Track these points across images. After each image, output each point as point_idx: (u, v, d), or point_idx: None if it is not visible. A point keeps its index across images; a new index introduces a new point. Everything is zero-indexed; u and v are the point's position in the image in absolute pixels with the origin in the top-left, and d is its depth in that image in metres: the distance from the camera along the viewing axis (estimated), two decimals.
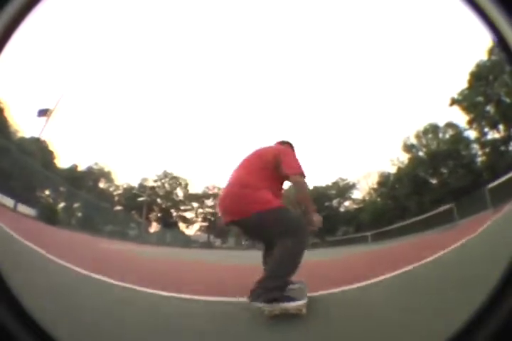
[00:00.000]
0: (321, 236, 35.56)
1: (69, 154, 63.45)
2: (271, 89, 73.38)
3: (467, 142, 33.00)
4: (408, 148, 37.24)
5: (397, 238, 20.79)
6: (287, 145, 4.14)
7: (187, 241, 40.46)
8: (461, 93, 32.52)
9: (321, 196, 43.02)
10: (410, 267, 5.07)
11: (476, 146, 32.70)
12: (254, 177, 3.51)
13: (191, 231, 46.56)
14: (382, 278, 4.48)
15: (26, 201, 18.47)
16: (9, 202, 16.42)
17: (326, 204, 43.85)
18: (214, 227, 45.18)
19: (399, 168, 37.51)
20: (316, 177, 57.90)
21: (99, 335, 1.90)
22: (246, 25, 70.47)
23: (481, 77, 30.34)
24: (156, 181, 46.51)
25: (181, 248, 29.03)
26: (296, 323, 2.46)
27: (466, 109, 32.45)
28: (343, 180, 45.80)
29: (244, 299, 2.90)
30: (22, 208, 17.33)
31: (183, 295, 3.67)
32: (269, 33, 68.31)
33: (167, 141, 68.04)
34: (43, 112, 23.53)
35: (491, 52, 29.31)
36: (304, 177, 3.56)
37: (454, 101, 33.09)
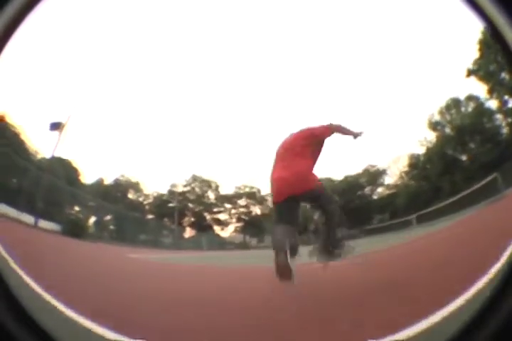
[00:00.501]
0: (357, 226, 35.39)
1: (93, 169, 64.35)
2: (287, 80, 72.93)
3: (490, 113, 32.09)
4: (434, 125, 36.30)
5: (444, 217, 19.47)
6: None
7: (222, 244, 41.03)
8: (475, 62, 31.62)
9: (352, 185, 43.19)
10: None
11: (499, 117, 31.82)
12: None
13: (226, 233, 46.67)
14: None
15: (50, 218, 18.84)
16: (30, 219, 16.67)
17: (359, 193, 43.66)
18: (249, 227, 45.72)
19: (428, 148, 36.73)
20: (345, 167, 57.89)
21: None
22: (254, 22, 70.36)
23: (489, 44, 29.27)
24: (185, 186, 46.24)
25: (217, 251, 29.13)
26: None
27: (484, 79, 31.45)
28: (373, 166, 44.68)
29: None
30: (44, 224, 17.56)
31: None
32: (279, 27, 68.04)
33: (191, 144, 68.17)
34: (56, 126, 23.50)
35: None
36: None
37: (470, 72, 32.08)
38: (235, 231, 46.64)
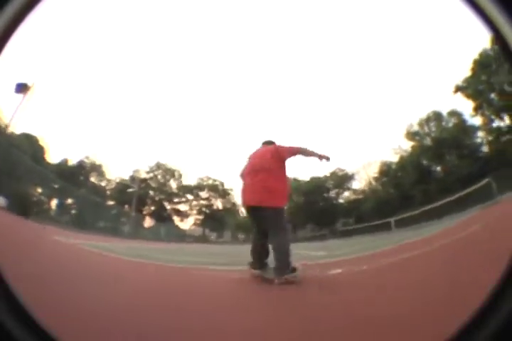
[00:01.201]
0: (321, 228, 35.55)
1: (59, 148, 62.76)
2: (265, 77, 73.49)
3: (471, 130, 33.31)
4: (412, 135, 37.35)
5: (426, 222, 19.83)
6: (273, 144, 5.08)
7: (182, 236, 40.16)
8: (465, 80, 32.63)
9: (318, 187, 43.56)
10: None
11: (480, 134, 32.99)
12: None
13: (186, 225, 46.30)
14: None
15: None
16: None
17: (324, 195, 44.28)
18: (209, 221, 45.34)
19: (401, 157, 37.65)
20: (313, 168, 58.21)
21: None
22: (246, 22, 70.81)
23: (484, 65, 30.42)
24: (148, 173, 46.01)
25: (175, 243, 28.59)
26: None
27: (471, 97, 32.45)
28: (342, 170, 45.42)
29: None
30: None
31: None
32: (266, 26, 68.50)
33: (159, 131, 67.86)
34: (21, 87, 22.31)
35: (493, 41, 29.00)
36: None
37: (458, 89, 33.14)
38: (195, 224, 46.44)
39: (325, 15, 63.06)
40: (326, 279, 4.59)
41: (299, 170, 54.75)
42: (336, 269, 5.30)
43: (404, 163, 36.28)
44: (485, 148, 32.29)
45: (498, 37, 0.95)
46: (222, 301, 3.37)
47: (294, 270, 4.26)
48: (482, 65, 30.57)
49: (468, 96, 32.59)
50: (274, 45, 72.31)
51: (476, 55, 31.57)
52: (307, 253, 9.54)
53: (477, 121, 33.01)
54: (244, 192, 4.78)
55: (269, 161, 4.66)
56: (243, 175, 5.02)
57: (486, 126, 31.98)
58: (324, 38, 68.27)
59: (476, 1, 0.98)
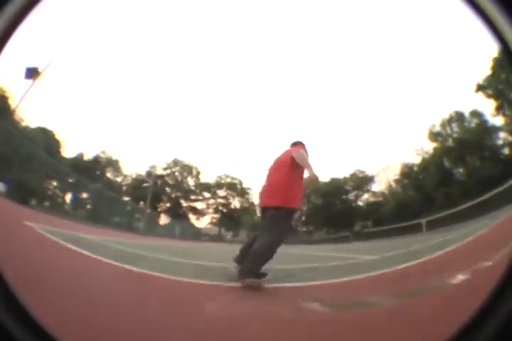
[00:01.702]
0: (337, 230, 35.24)
1: (75, 142, 63.33)
2: (284, 79, 73.16)
3: (493, 130, 32.80)
4: (434, 136, 36.74)
5: (460, 223, 17.47)
6: (300, 145, 5.12)
7: (197, 234, 40.38)
8: (486, 79, 32.23)
9: (338, 189, 43.26)
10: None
11: (503, 135, 32.45)
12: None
13: (202, 223, 46.05)
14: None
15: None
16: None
17: (343, 197, 43.88)
18: (226, 220, 45.25)
19: (423, 158, 37.09)
20: (333, 170, 57.99)
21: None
22: (256, 22, 70.50)
23: (502, 63, 29.87)
24: (165, 169, 45.38)
25: (191, 241, 28.72)
26: None
27: (492, 96, 32.15)
28: (362, 172, 44.69)
29: None
30: None
31: None
32: (278, 28, 68.19)
33: (178, 127, 67.78)
34: (32, 72, 22.12)
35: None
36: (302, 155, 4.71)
37: (479, 88, 32.73)
38: (211, 222, 46.18)
39: (345, 13, 62.44)
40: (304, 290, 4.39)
41: (318, 171, 54.47)
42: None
43: (426, 164, 35.80)
44: (506, 150, 31.94)
45: (498, 37, 0.93)
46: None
47: (261, 276, 4.20)
48: (501, 63, 29.95)
49: (489, 96, 32.30)
50: (289, 44, 71.95)
51: (495, 54, 30.40)
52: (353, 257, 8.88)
53: (498, 121, 32.72)
54: (262, 191, 4.91)
55: (286, 164, 4.71)
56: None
57: (508, 127, 31.69)
58: (344, 36, 67.70)
59: (476, 1, 0.96)
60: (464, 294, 2.29)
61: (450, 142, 35.48)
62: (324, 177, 44.98)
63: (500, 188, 19.64)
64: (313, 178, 4.54)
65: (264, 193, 4.74)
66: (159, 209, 41.87)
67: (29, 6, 1.05)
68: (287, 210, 4.50)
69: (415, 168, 37.51)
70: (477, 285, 1.31)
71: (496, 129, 32.68)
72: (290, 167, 4.66)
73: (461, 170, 33.95)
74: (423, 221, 22.62)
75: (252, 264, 4.18)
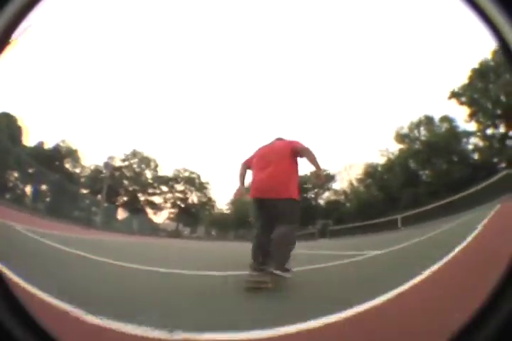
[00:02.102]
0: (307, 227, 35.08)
1: (36, 130, 61.50)
2: (253, 75, 73.39)
3: (463, 136, 34.44)
4: (401, 138, 37.85)
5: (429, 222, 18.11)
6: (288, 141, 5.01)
7: (155, 230, 39.55)
8: (462, 87, 33.88)
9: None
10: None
11: (474, 141, 34.04)
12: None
13: (160, 218, 45.66)
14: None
15: None
16: None
17: (303, 195, 43.30)
18: (183, 215, 44.85)
19: (389, 159, 38.07)
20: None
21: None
22: (248, 21, 71.23)
23: (482, 74, 32.06)
24: (123, 161, 45.02)
25: (148, 236, 28.06)
26: None
27: (466, 104, 33.73)
28: (323, 170, 44.09)
29: None
30: None
31: None
32: (265, 26, 69.01)
33: (138, 119, 66.95)
34: None
35: (495, 53, 30.88)
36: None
37: (453, 95, 34.29)
38: (169, 218, 46.06)
39: (317, 18, 63.17)
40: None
41: None
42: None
43: (391, 165, 36.70)
44: (476, 155, 33.38)
45: (498, 37, 0.96)
46: None
47: (287, 270, 4.19)
48: (481, 73, 32.05)
49: (463, 103, 33.89)
50: (264, 38, 72.41)
51: (475, 64, 33.06)
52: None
53: (471, 127, 34.25)
54: (259, 183, 4.65)
55: (287, 155, 4.67)
56: (252, 167, 4.93)
57: (480, 133, 33.26)
58: (317, 40, 68.71)
59: (476, 1, 0.99)
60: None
61: (418, 144, 36.50)
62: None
63: (471, 190, 20.42)
64: (322, 176, 4.78)
65: (265, 185, 4.54)
66: (117, 203, 41.03)
67: (29, 6, 1.06)
68: (296, 201, 4.53)
69: (379, 168, 38.40)
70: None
71: (466, 135, 34.27)
72: (292, 159, 4.70)
73: (427, 171, 35.12)
74: (399, 217, 22.62)
75: (285, 257, 4.22)
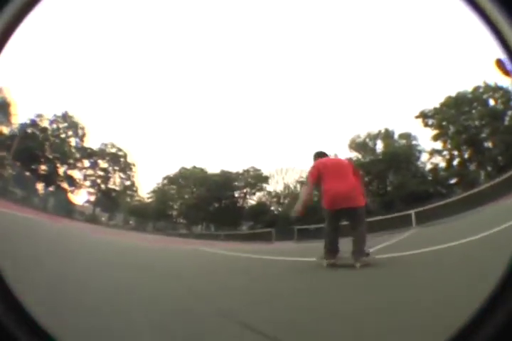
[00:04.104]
0: (221, 229, 34.54)
1: None
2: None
3: (417, 152, 36.96)
4: (356, 147, 38.71)
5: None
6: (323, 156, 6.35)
7: (71, 211, 36.76)
8: (435, 110, 36.23)
9: (227, 183, 43.32)
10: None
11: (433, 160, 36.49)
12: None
13: (79, 199, 43.04)
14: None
15: None
16: None
17: (232, 193, 44.24)
18: (103, 199, 42.68)
19: None
20: (226, 163, 57.97)
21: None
22: (248, 21, 71.43)
23: (458, 103, 34.57)
24: (51, 123, 41.02)
25: (62, 217, 26.05)
26: None
27: (431, 126, 36.24)
28: (256, 170, 44.49)
29: None
30: None
31: None
32: (259, 25, 69.75)
33: (75, 75, 63.70)
34: None
35: (476, 89, 34.43)
36: None
37: (422, 115, 36.60)
38: (88, 201, 42.96)
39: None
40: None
41: (211, 162, 54.56)
42: None
43: None
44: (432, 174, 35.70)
45: (498, 37, 1.00)
46: None
47: (368, 254, 5.37)
48: (456, 102, 34.61)
49: (428, 125, 36.39)
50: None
51: (454, 92, 35.41)
52: None
53: (429, 147, 36.97)
54: (337, 194, 5.55)
55: (349, 171, 5.75)
56: (323, 179, 5.76)
57: (436, 154, 36.17)
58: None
59: (477, 1, 1.02)
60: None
61: (375, 154, 38.01)
62: (215, 169, 45.31)
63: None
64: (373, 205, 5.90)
65: (344, 196, 5.50)
66: (36, 173, 37.15)
67: (29, 6, 1.06)
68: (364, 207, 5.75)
69: None
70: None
71: (420, 152, 36.99)
72: (354, 174, 5.79)
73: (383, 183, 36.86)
74: (412, 212, 21.95)
75: (363, 247, 5.30)
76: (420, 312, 2.29)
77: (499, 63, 2.64)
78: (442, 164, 35.99)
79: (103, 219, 42.52)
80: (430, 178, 35.03)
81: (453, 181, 34.35)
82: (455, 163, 35.19)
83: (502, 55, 0.96)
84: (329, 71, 66.42)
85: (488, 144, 34.10)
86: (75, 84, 66.69)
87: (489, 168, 33.00)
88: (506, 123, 32.92)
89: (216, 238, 30.69)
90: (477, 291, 1.06)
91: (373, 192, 34.87)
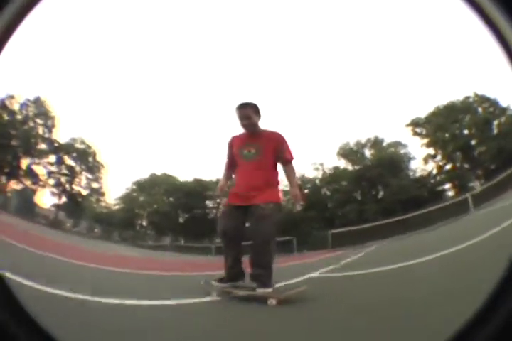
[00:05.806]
0: (191, 241, 33.81)
1: None
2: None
3: (405, 161, 37.16)
4: (345, 154, 38.46)
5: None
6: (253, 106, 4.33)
7: (34, 214, 34.41)
8: (426, 118, 36.70)
9: (200, 192, 42.03)
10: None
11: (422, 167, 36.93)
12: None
13: (43, 202, 40.80)
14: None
15: None
16: None
17: (204, 203, 43.16)
18: (67, 202, 40.52)
19: (327, 174, 38.28)
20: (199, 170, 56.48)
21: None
22: (247, 21, 71.27)
23: (449, 112, 34.98)
24: (22, 108, 37.76)
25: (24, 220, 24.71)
26: None
27: (421, 135, 36.71)
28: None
29: None
30: None
31: None
32: (255, 25, 69.83)
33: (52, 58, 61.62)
34: None
35: (466, 98, 35.29)
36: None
37: (413, 124, 37.16)
38: (53, 205, 39.94)
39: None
40: None
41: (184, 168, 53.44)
42: None
43: (330, 180, 37.34)
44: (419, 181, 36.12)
45: (498, 37, 1.01)
46: None
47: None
48: (447, 111, 35.00)
49: (418, 133, 36.93)
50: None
51: (445, 101, 36.06)
52: None
53: (419, 155, 37.31)
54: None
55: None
56: None
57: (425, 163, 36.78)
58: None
59: (477, 1, 1.04)
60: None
61: (366, 162, 37.86)
62: (187, 176, 44.71)
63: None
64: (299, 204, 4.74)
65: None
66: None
67: (29, 6, 1.08)
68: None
69: (318, 183, 38.68)
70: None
71: (409, 160, 37.49)
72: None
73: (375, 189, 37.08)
74: (468, 195, 21.06)
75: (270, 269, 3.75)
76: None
77: None
78: (434, 170, 36.69)
79: (68, 225, 39.76)
80: (422, 184, 35.27)
81: (446, 186, 35.31)
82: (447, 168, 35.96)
83: (502, 55, 0.95)
84: (318, 80, 66.66)
85: (480, 150, 34.57)
86: (55, 70, 65.05)
87: (480, 172, 33.60)
88: (495, 131, 33.67)
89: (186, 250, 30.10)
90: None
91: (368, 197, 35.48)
